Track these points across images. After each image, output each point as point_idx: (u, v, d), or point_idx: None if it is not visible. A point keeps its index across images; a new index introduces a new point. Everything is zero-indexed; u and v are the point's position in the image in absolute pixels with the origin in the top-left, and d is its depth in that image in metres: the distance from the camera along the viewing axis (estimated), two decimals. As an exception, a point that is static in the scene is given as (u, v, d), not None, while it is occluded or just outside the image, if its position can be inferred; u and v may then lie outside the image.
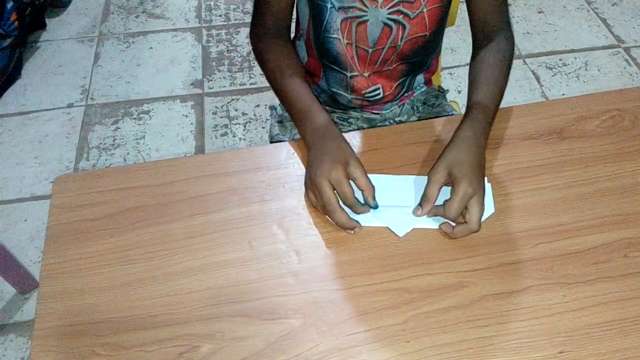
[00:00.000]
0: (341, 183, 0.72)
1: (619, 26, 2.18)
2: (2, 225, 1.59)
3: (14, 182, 1.71)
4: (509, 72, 0.85)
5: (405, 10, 0.83)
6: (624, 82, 1.97)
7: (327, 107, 1.03)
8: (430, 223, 0.75)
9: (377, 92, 0.95)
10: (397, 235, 0.74)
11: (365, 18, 0.85)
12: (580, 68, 2.03)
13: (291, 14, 0.92)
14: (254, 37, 0.92)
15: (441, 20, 0.88)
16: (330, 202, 0.71)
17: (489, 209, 0.76)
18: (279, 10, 0.89)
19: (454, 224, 0.73)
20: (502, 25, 0.88)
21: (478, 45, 0.89)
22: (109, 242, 0.74)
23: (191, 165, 0.84)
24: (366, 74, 0.93)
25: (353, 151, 0.76)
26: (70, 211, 0.78)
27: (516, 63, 2.05)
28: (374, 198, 0.74)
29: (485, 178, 0.76)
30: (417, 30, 0.86)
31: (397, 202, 0.77)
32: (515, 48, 2.06)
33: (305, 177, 0.77)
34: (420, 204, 0.73)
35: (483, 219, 0.74)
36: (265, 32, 0.90)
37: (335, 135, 0.77)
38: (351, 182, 0.73)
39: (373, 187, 0.74)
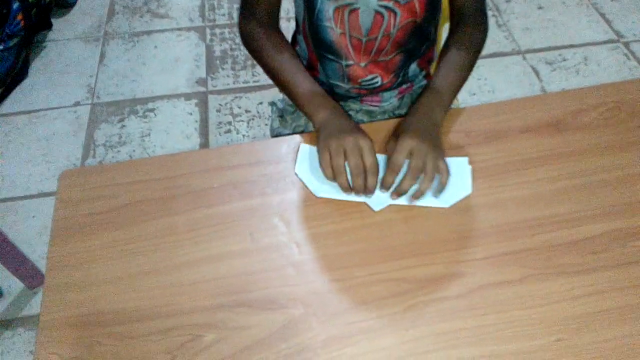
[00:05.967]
0: (359, 152, 0.77)
1: (618, 21, 2.17)
2: (11, 221, 1.61)
3: (22, 180, 1.73)
4: (475, 57, 0.91)
5: None
6: (623, 76, 1.96)
7: None
8: (404, 200, 0.77)
9: (375, 80, 0.96)
10: (372, 210, 0.77)
11: (356, 6, 0.85)
12: (579, 63, 2.02)
13: (280, 4, 0.94)
14: (245, 24, 0.94)
15: (432, 6, 0.89)
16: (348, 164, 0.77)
17: (466, 189, 0.78)
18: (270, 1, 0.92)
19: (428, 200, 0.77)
20: (476, 13, 0.93)
21: (452, 30, 0.94)
22: (113, 235, 0.76)
23: (194, 160, 0.85)
24: (362, 64, 0.93)
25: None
26: (75, 205, 0.79)
27: (516, 58, 2.04)
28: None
29: (467, 159, 0.81)
30: (408, 15, 0.87)
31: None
32: (515, 44, 2.07)
33: (327, 138, 0.79)
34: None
35: (459, 198, 0.77)
36: (257, 20, 0.92)
37: (348, 118, 0.84)
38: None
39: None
